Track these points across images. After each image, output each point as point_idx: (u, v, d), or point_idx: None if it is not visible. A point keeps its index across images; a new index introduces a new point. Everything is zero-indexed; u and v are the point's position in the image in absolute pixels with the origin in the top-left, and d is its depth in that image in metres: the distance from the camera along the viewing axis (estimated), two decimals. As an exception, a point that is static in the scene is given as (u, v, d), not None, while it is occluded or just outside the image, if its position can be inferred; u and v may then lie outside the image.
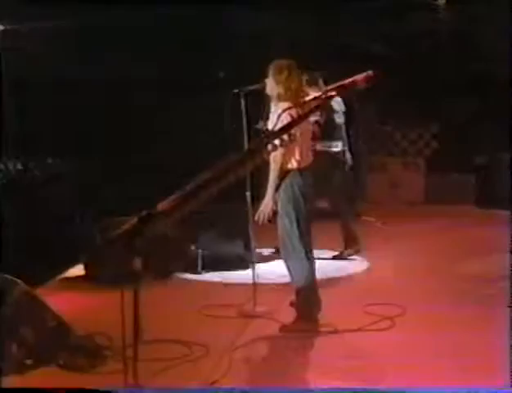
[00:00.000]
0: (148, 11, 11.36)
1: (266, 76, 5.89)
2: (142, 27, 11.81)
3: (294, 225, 5.66)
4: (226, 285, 7.27)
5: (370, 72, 2.99)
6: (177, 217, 2.59)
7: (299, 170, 5.70)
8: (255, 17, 11.92)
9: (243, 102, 6.26)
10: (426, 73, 12.57)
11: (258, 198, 6.25)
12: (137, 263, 2.54)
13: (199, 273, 7.79)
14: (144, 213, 2.52)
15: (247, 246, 6.58)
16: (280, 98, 5.70)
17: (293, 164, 5.67)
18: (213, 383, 4.50)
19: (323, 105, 2.82)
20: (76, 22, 11.50)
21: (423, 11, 12.54)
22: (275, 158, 5.59)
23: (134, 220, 2.51)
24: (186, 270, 7.85)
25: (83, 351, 5.06)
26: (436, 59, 12.23)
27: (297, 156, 5.66)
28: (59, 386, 4.41)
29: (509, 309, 5.38)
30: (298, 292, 5.73)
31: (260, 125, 6.46)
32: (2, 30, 12.70)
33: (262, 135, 5.59)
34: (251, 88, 6.18)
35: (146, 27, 11.83)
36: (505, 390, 4.29)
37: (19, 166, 11.97)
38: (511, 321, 4.99)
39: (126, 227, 2.51)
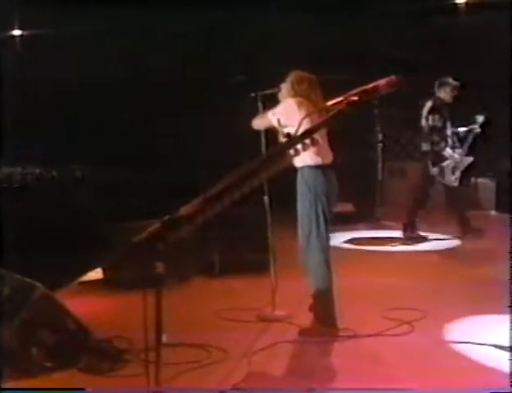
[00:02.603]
0: (166, 14, 11.39)
1: (283, 80, 5.92)
2: (158, 30, 11.85)
3: (314, 229, 5.63)
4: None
5: (392, 77, 2.96)
6: (200, 221, 2.58)
7: (321, 167, 5.66)
8: (272, 19, 11.94)
9: (260, 106, 6.27)
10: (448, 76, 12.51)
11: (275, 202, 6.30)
12: (160, 267, 2.54)
13: (218, 277, 7.80)
14: (167, 217, 2.52)
15: (265, 249, 6.57)
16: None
17: (312, 158, 5.60)
18: (231, 387, 4.50)
19: (345, 110, 2.80)
20: (91, 26, 11.57)
21: (443, 14, 12.52)
22: None
23: (157, 225, 2.50)
24: (204, 273, 7.86)
25: (102, 354, 5.07)
26: (457, 62, 12.16)
27: (316, 152, 5.60)
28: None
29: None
30: (316, 297, 5.70)
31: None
32: (20, 35, 12.82)
33: (285, 140, 5.59)
34: (268, 91, 6.19)
35: (163, 30, 11.87)
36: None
37: (38, 170, 12.07)
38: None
39: (149, 231, 2.50)
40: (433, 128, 9.60)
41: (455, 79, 9.80)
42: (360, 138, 12.71)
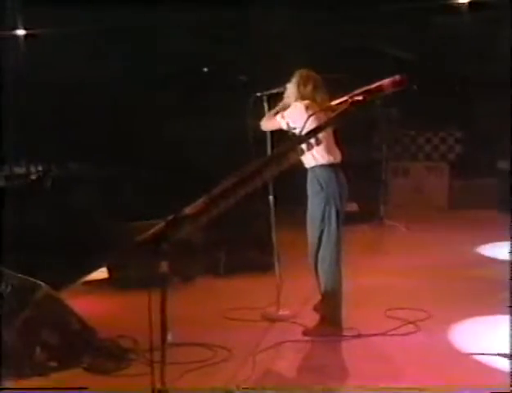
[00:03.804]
0: (167, 11, 11.39)
1: (288, 80, 5.92)
2: (162, 28, 11.85)
3: (327, 228, 5.61)
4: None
5: (397, 76, 2.95)
6: (204, 221, 2.58)
7: (333, 166, 5.65)
8: (274, 18, 11.93)
9: (266, 106, 6.27)
10: (450, 76, 12.52)
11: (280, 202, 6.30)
12: (164, 266, 2.54)
13: (223, 276, 7.81)
14: (171, 217, 2.51)
15: (270, 249, 6.57)
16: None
17: (324, 157, 5.61)
18: (236, 387, 4.50)
19: (350, 110, 2.80)
20: (94, 25, 11.56)
21: (446, 13, 12.51)
22: None
23: (161, 224, 2.50)
24: (209, 273, 7.87)
25: (107, 354, 5.08)
26: (460, 62, 12.16)
27: (327, 151, 5.63)
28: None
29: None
30: (325, 296, 5.68)
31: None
32: (25, 35, 12.81)
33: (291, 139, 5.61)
34: (273, 91, 6.18)
35: (167, 28, 11.87)
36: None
37: (40, 169, 12.09)
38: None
39: (153, 231, 2.50)
40: None
41: None
42: (363, 138, 12.70)
